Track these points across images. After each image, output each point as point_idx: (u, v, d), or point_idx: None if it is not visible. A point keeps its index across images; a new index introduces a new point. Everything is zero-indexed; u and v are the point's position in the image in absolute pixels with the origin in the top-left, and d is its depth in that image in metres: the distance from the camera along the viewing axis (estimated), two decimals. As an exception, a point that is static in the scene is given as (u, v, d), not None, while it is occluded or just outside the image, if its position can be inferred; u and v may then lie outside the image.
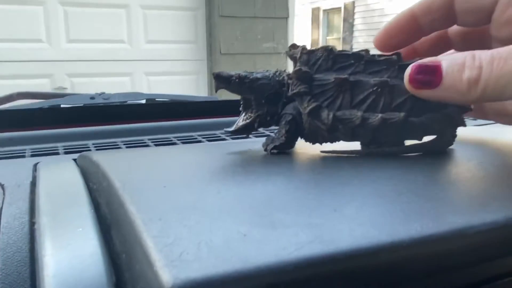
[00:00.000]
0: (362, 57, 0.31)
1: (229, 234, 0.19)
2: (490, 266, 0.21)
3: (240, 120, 0.34)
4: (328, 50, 0.31)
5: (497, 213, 0.21)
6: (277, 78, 0.33)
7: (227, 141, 0.53)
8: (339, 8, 8.46)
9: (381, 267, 0.18)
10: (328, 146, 0.33)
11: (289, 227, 0.20)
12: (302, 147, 0.34)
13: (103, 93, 0.65)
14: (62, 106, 0.60)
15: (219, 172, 0.29)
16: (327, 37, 8.93)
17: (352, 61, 0.31)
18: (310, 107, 0.30)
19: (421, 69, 0.26)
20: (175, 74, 2.84)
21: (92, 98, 0.63)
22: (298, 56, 0.31)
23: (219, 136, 0.56)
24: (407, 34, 0.33)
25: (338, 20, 8.61)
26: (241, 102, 0.35)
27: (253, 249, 0.18)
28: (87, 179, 0.31)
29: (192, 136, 0.56)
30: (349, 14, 8.24)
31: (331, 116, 0.30)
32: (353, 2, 8.14)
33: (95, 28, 2.58)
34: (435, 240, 0.19)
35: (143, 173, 0.29)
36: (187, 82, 2.88)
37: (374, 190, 0.24)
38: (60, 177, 0.33)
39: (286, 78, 0.33)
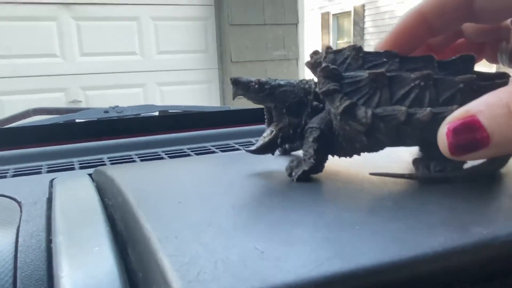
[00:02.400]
0: (395, 55, 0.27)
1: (246, 252, 0.18)
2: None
3: (262, 137, 0.31)
4: (356, 49, 0.27)
5: (523, 223, 0.21)
6: (302, 86, 0.30)
7: (240, 151, 0.53)
8: (349, 12, 8.44)
9: (403, 282, 0.18)
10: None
11: (307, 242, 0.19)
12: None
13: (116, 106, 0.65)
14: (76, 121, 0.61)
15: (233, 186, 0.28)
16: (338, 41, 8.91)
17: (385, 59, 0.27)
18: (344, 105, 0.26)
19: (457, 131, 0.21)
20: (187, 83, 2.86)
21: (106, 112, 0.64)
22: (323, 56, 0.28)
23: (233, 146, 0.56)
24: (415, 37, 0.30)
25: (348, 24, 8.59)
26: (265, 117, 0.31)
27: (271, 267, 0.17)
28: (102, 195, 0.31)
29: (205, 147, 0.56)
30: (359, 18, 8.22)
31: (369, 113, 0.25)
32: (363, 5, 8.12)
33: (107, 41, 2.62)
34: (459, 252, 0.19)
35: (158, 188, 0.28)
36: (199, 91, 2.90)
37: (394, 204, 0.24)
38: (76, 194, 0.33)
39: (313, 86, 0.30)
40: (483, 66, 0.31)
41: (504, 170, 0.28)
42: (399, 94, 0.26)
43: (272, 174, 0.30)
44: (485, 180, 0.27)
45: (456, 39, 0.33)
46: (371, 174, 0.28)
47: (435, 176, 0.27)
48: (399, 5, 7.28)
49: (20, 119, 0.69)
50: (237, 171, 0.32)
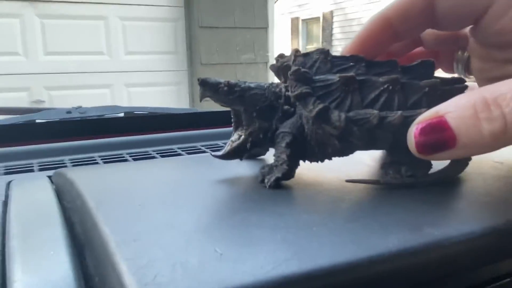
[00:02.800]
0: (362, 59, 0.28)
1: (205, 254, 0.18)
2: (467, 276, 0.22)
3: (229, 141, 0.30)
4: (324, 52, 0.28)
5: (474, 224, 0.22)
6: (273, 89, 0.29)
7: (206, 154, 0.52)
8: (318, 18, 8.57)
9: (360, 283, 0.18)
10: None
11: (266, 244, 0.19)
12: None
13: (79, 107, 0.64)
14: (37, 121, 0.59)
15: (196, 189, 0.28)
16: (307, 46, 9.02)
17: (352, 63, 0.27)
18: (317, 108, 0.26)
19: (426, 131, 0.22)
20: (155, 85, 2.83)
21: (69, 112, 0.62)
22: (292, 59, 0.28)
23: (200, 149, 0.56)
24: (381, 42, 0.31)
25: (317, 30, 8.72)
26: (232, 120, 0.31)
27: (229, 269, 0.17)
28: (61, 197, 0.30)
29: (171, 149, 0.56)
30: (327, 24, 8.36)
31: (343, 116, 0.25)
32: (331, 12, 8.27)
33: (73, 40, 2.55)
34: (412, 252, 0.19)
35: (119, 190, 0.28)
36: (168, 93, 2.87)
37: (352, 205, 0.24)
38: (33, 196, 0.32)
39: (283, 90, 0.29)
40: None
41: (461, 173, 0.29)
42: (370, 97, 0.26)
43: (235, 177, 0.30)
44: (445, 184, 0.28)
45: (415, 46, 0.34)
46: (347, 181, 0.27)
47: (407, 182, 0.27)
48: (366, 12, 7.46)
49: (-24, 119, 0.67)
50: (201, 174, 0.32)
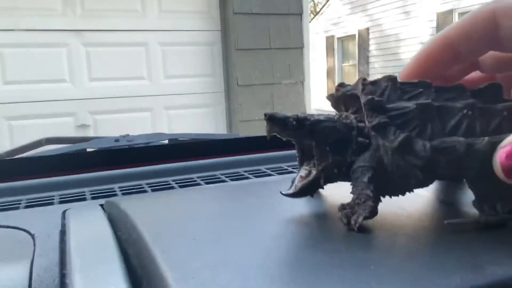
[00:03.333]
0: (429, 84, 0.26)
1: (263, 293, 0.19)
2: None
3: (298, 177, 0.28)
4: (392, 79, 0.27)
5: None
6: (344, 121, 0.27)
7: (250, 180, 0.53)
8: (354, 35, 8.55)
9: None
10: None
11: (323, 284, 0.19)
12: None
13: (127, 135, 0.66)
14: (88, 150, 0.62)
15: (246, 221, 0.28)
16: (343, 64, 8.99)
17: (421, 90, 0.26)
18: (400, 138, 0.24)
19: None
20: (193, 107, 2.89)
21: (117, 140, 0.64)
22: (359, 88, 0.27)
23: (242, 175, 0.56)
24: (441, 63, 0.30)
25: (352, 47, 8.68)
26: (297, 154, 0.29)
27: (288, 310, 0.17)
28: (115, 227, 0.32)
29: (215, 175, 0.56)
30: (363, 41, 8.31)
31: (428, 146, 0.24)
32: (367, 29, 8.22)
33: (116, 66, 2.67)
34: (477, 294, 0.19)
35: (172, 223, 0.29)
36: (206, 115, 2.93)
37: (409, 242, 0.24)
38: (89, 227, 0.33)
39: (354, 121, 0.27)
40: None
41: None
42: (450, 124, 0.25)
43: (284, 208, 0.30)
44: None
45: (471, 71, 0.33)
46: (448, 222, 0.25)
47: (506, 218, 0.25)
48: (404, 28, 7.37)
49: (32, 149, 0.70)
50: (249, 204, 0.32)
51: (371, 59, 8.23)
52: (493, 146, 0.24)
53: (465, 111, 0.25)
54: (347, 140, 0.27)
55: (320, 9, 9.37)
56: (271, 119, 0.27)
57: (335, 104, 0.30)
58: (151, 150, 0.61)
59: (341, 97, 0.29)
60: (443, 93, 0.26)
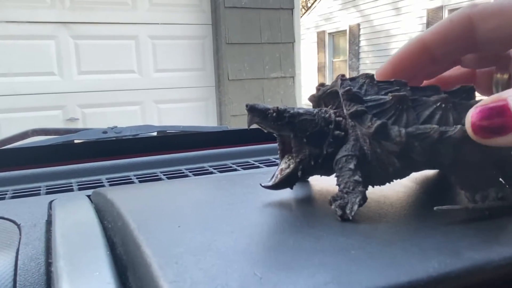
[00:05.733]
0: (405, 83, 0.28)
1: (245, 277, 0.19)
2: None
3: (278, 170, 0.29)
4: (369, 77, 0.28)
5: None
6: (322, 115, 0.28)
7: (238, 171, 0.53)
8: (344, 31, 8.57)
9: (400, 308, 0.18)
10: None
11: (305, 268, 0.20)
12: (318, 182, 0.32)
13: (115, 127, 0.66)
14: (75, 141, 0.61)
15: (231, 209, 0.29)
16: (333, 59, 9.01)
17: (397, 87, 0.27)
18: (376, 124, 0.25)
19: (485, 114, 0.22)
20: (184, 101, 2.88)
21: (105, 132, 0.64)
22: (338, 84, 0.28)
23: (230, 167, 0.57)
24: (416, 65, 0.31)
25: (343, 43, 8.71)
26: (279, 147, 0.30)
27: (270, 292, 0.18)
28: (101, 217, 0.32)
29: (203, 167, 0.57)
30: (354, 36, 8.33)
31: (403, 131, 0.25)
32: (358, 25, 8.24)
33: (105, 59, 2.65)
34: (452, 277, 0.19)
35: (157, 211, 0.29)
36: (197, 109, 2.92)
37: (390, 228, 0.24)
38: (76, 216, 0.33)
39: (333, 115, 0.28)
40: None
41: None
42: (425, 115, 0.26)
43: (268, 197, 0.30)
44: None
45: (451, 66, 0.34)
46: (437, 209, 0.25)
47: (495, 205, 0.25)
48: (394, 24, 7.40)
49: (19, 140, 0.70)
50: (235, 194, 0.33)
51: (362, 55, 8.26)
52: (465, 134, 0.24)
53: (438, 103, 0.26)
54: (324, 133, 0.28)
55: (312, 4, 9.37)
56: (251, 110, 0.28)
57: (317, 104, 0.31)
58: (139, 142, 0.61)
59: (322, 96, 0.30)
60: (418, 91, 0.28)
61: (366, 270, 0.19)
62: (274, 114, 0.27)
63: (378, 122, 0.25)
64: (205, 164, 0.58)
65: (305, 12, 9.26)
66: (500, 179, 0.27)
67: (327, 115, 0.28)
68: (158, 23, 2.76)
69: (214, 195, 0.34)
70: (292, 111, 0.28)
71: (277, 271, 0.19)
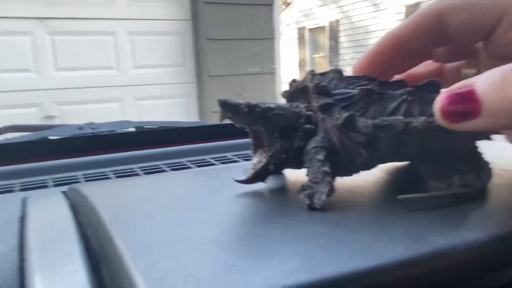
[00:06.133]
0: (374, 78, 0.29)
1: (217, 266, 0.19)
2: (473, 285, 0.22)
3: (252, 165, 0.30)
4: (339, 72, 0.29)
5: (478, 232, 0.22)
6: (293, 109, 0.29)
7: (216, 166, 0.53)
8: (324, 27, 8.62)
9: (367, 291, 0.19)
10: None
11: (276, 255, 0.20)
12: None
13: (91, 122, 0.65)
14: (50, 138, 0.61)
15: (206, 202, 0.29)
16: (314, 56, 9.06)
17: (366, 82, 0.28)
18: (344, 116, 0.26)
19: (453, 99, 0.22)
20: (164, 97, 2.86)
21: (81, 128, 0.63)
22: (309, 79, 0.28)
23: (209, 161, 0.57)
24: (390, 60, 0.32)
25: (323, 39, 8.75)
26: (252, 142, 0.30)
27: (240, 280, 0.18)
28: (76, 212, 0.31)
29: (181, 162, 0.57)
30: (334, 33, 8.39)
31: (370, 123, 0.26)
32: (338, 21, 8.30)
33: (83, 55, 2.60)
34: (417, 261, 0.20)
35: (132, 205, 0.29)
36: (177, 105, 2.90)
37: (360, 216, 0.25)
38: (49, 212, 0.33)
39: (303, 109, 0.29)
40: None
41: None
42: (391, 107, 0.27)
43: (244, 190, 0.31)
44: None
45: (422, 60, 0.35)
46: (401, 198, 0.25)
47: (459, 192, 0.26)
48: (373, 20, 7.48)
49: (-9, 137, 0.68)
50: (210, 187, 0.33)
51: (341, 51, 8.32)
52: (429, 125, 0.26)
53: (404, 96, 0.27)
54: (295, 127, 0.29)
55: (291, 0, 9.39)
56: (223, 105, 0.28)
57: (289, 99, 0.31)
58: (116, 138, 0.60)
59: (294, 91, 0.30)
60: (386, 85, 0.28)
61: (335, 257, 0.20)
62: (246, 109, 0.28)
63: (346, 114, 0.26)
64: (183, 159, 0.58)
65: (285, 8, 9.28)
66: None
67: (298, 110, 0.29)
68: (137, 19, 2.72)
69: (190, 188, 0.34)
70: (263, 106, 0.28)
71: (249, 259, 0.20)
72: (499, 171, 0.32)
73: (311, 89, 0.28)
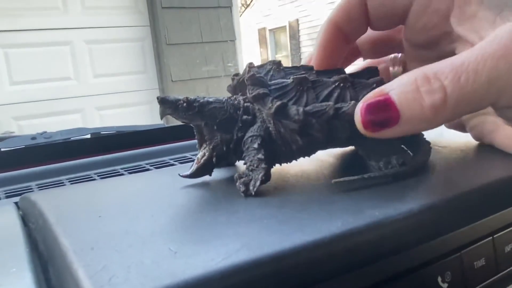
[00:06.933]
0: (311, 68, 0.29)
1: (160, 254, 0.19)
2: (407, 256, 0.23)
3: (196, 159, 0.30)
4: (276, 63, 0.30)
5: (413, 203, 0.23)
6: (231, 102, 0.30)
7: (175, 166, 0.53)
8: (284, 27, 8.70)
9: (306, 265, 0.20)
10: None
11: (219, 239, 0.20)
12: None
13: (44, 132, 0.64)
14: (2, 150, 0.59)
15: (156, 198, 0.29)
16: (276, 55, 9.12)
17: (304, 72, 0.29)
18: (276, 105, 0.27)
19: (371, 108, 0.23)
20: (128, 106, 2.81)
21: (34, 138, 0.62)
22: (247, 71, 0.29)
23: (168, 162, 0.56)
24: (336, 47, 0.32)
25: (284, 38, 8.84)
26: (196, 138, 0.31)
27: (182, 264, 0.18)
28: (27, 220, 0.31)
29: (140, 165, 0.56)
30: (294, 32, 8.49)
31: (301, 110, 0.27)
32: (297, 20, 8.40)
33: (39, 67, 2.52)
34: (354, 233, 0.21)
35: (79, 206, 0.29)
36: (142, 113, 2.85)
37: (303, 197, 0.26)
38: (-2, 221, 0.32)
39: (242, 101, 0.30)
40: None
41: None
42: (323, 94, 0.28)
43: (195, 184, 0.31)
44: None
45: (354, 58, 0.36)
46: (334, 181, 0.26)
47: (390, 173, 0.27)
48: (331, 18, 7.60)
49: None
50: (162, 185, 0.33)
51: (303, 49, 8.42)
52: None
53: (337, 83, 0.28)
54: (234, 119, 0.29)
55: (251, 2, 9.44)
56: (163, 102, 0.29)
57: (233, 93, 0.32)
58: (71, 145, 0.59)
59: (237, 85, 0.31)
60: (323, 74, 0.29)
61: (275, 235, 0.20)
62: (185, 104, 0.28)
63: (278, 102, 0.27)
64: (142, 162, 0.57)
65: (245, 10, 9.31)
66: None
67: (236, 102, 0.30)
68: (93, 27, 2.67)
69: (140, 188, 0.34)
70: (201, 101, 0.29)
71: (192, 245, 0.20)
72: (438, 148, 0.34)
73: (246, 81, 0.28)
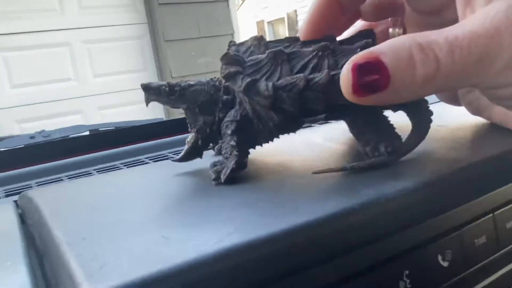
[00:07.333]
0: (297, 39, 0.28)
1: (152, 241, 0.19)
2: (407, 235, 0.23)
3: (186, 143, 0.30)
4: (258, 38, 0.28)
5: (408, 181, 0.23)
6: (212, 83, 0.29)
7: (173, 159, 0.53)
8: (283, 18, 8.66)
9: (300, 246, 0.19)
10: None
11: (211, 223, 0.20)
12: None
13: (43, 130, 0.64)
14: (1, 149, 0.59)
15: (150, 189, 0.29)
16: (276, 48, 9.09)
17: (287, 44, 0.27)
18: (245, 82, 0.26)
19: (360, 69, 0.21)
20: (129, 104, 2.81)
21: (32, 137, 0.62)
22: (227, 49, 0.28)
23: (167, 156, 0.56)
24: (330, 17, 0.31)
25: (283, 30, 8.80)
26: (187, 121, 0.31)
27: (174, 249, 0.18)
28: (25, 217, 0.31)
29: (139, 159, 0.56)
30: (293, 23, 8.44)
31: (270, 85, 0.25)
32: (295, 11, 8.35)
33: (39, 70, 2.53)
34: (348, 212, 0.20)
35: (74, 200, 0.28)
36: (142, 111, 2.85)
37: (298, 180, 0.25)
38: (-4, 219, 0.32)
39: (223, 81, 0.29)
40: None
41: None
42: (299, 65, 0.26)
43: (189, 172, 0.31)
44: None
45: (354, 20, 0.35)
46: (314, 172, 0.25)
47: (375, 162, 0.26)
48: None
49: None
50: (159, 177, 0.33)
51: (303, 40, 8.39)
52: (333, 78, 0.25)
53: (315, 53, 0.26)
54: (214, 100, 0.29)
55: (248, -5, 9.39)
56: (146, 88, 0.29)
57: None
58: (70, 143, 0.59)
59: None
60: (309, 44, 0.27)
61: (269, 218, 0.20)
62: (167, 89, 0.28)
63: (247, 79, 0.26)
64: (141, 157, 0.57)
65: (242, 3, 9.27)
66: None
67: (217, 83, 0.29)
68: (90, 27, 2.66)
69: (136, 179, 0.34)
70: (183, 84, 0.29)
71: (184, 230, 0.20)
72: (436, 127, 0.33)
73: (221, 60, 0.27)
